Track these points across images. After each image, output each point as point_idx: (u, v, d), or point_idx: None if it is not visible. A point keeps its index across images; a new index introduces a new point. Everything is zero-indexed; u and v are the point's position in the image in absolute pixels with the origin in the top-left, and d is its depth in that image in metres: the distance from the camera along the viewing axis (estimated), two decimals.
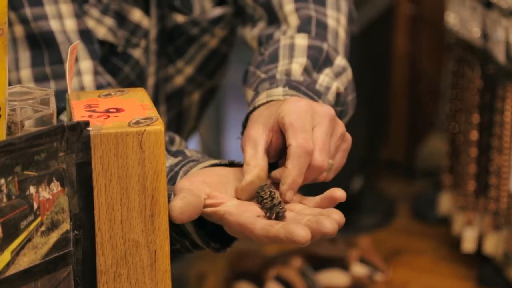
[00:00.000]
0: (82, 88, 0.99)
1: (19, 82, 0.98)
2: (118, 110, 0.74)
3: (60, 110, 0.95)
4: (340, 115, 0.98)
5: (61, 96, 0.94)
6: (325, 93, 0.95)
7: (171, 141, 0.94)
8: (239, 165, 0.86)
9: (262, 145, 0.85)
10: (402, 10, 1.83)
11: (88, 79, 0.99)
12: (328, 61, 0.99)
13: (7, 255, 0.64)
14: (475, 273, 1.45)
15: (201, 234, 0.84)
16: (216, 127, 2.07)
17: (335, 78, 0.98)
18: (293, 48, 1.00)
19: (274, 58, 0.99)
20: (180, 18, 1.13)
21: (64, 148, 0.67)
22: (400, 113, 1.88)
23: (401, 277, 1.46)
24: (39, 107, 0.73)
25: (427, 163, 1.80)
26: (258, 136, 0.86)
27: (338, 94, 0.97)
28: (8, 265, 0.64)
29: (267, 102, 0.91)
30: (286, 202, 0.81)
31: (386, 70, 1.77)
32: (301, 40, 1.01)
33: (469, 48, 1.43)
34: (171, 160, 0.88)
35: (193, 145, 1.47)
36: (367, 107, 1.62)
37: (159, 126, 0.70)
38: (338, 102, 0.97)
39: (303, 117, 0.84)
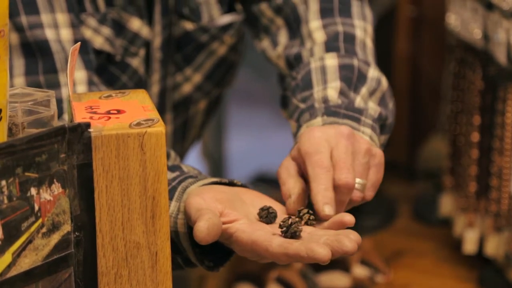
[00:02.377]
0: None
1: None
2: (119, 111, 0.74)
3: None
4: (383, 128, 1.00)
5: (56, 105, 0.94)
6: (366, 108, 0.96)
7: (166, 156, 0.94)
8: (238, 185, 0.86)
9: (294, 169, 0.87)
10: (403, 12, 1.83)
11: (81, 90, 0.99)
12: (361, 77, 1.00)
13: (8, 256, 0.64)
14: (476, 275, 1.45)
15: (197, 251, 0.84)
16: (217, 130, 2.07)
17: (370, 97, 0.99)
18: (325, 71, 1.00)
19: (308, 84, 1.00)
20: (189, 26, 1.13)
21: (65, 149, 0.67)
22: (401, 114, 1.88)
23: (402, 278, 1.46)
24: (40, 109, 0.74)
25: (428, 164, 1.80)
26: (288, 163, 0.88)
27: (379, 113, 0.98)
28: (9, 266, 0.64)
29: None
30: (323, 219, 0.80)
31: (387, 72, 1.77)
32: (331, 61, 1.01)
33: (470, 50, 1.43)
34: (168, 175, 0.88)
35: (194, 149, 1.47)
36: None
37: (160, 127, 0.70)
38: (380, 119, 0.98)
39: (317, 143, 0.86)
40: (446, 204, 1.53)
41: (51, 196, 0.66)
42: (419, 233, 1.60)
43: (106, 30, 1.04)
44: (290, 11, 1.09)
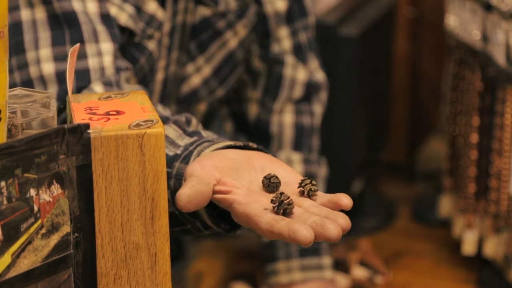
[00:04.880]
0: (102, 69, 1.00)
1: (37, 61, 0.99)
2: (118, 112, 0.74)
3: (79, 89, 0.98)
4: None
5: (80, 76, 0.98)
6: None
7: (187, 122, 0.94)
8: (253, 148, 0.85)
9: None
10: (402, 13, 1.83)
11: (108, 60, 1.01)
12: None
13: (7, 257, 0.64)
14: (475, 276, 1.45)
15: (212, 215, 0.84)
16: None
17: None
18: None
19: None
20: (207, 11, 1.16)
21: (64, 150, 0.67)
22: (400, 115, 1.88)
23: (402, 279, 1.47)
24: (39, 110, 0.74)
25: (428, 165, 1.80)
26: None
27: None
28: (8, 267, 0.64)
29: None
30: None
31: (386, 73, 1.78)
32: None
33: (470, 51, 1.43)
34: (187, 140, 0.88)
35: None
36: (367, 110, 1.63)
37: (159, 128, 0.70)
38: None
39: None
40: (445, 205, 1.53)
41: (50, 197, 0.66)
42: (418, 234, 1.60)
43: (129, 8, 1.06)
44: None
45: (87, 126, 0.69)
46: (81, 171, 0.69)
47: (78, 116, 0.73)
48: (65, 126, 0.67)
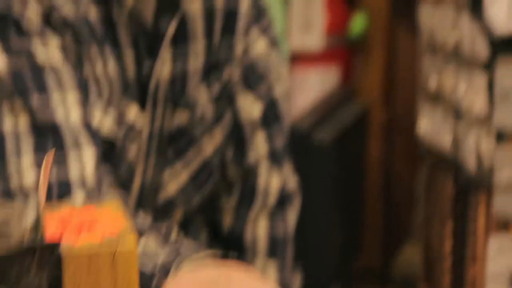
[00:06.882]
0: (83, 177, 1.00)
1: (18, 170, 0.99)
2: (91, 224, 0.74)
3: (60, 199, 0.97)
4: None
5: (61, 185, 0.98)
6: None
7: (167, 234, 0.94)
8: (232, 261, 0.85)
9: None
10: (375, 117, 1.86)
11: (90, 168, 1.00)
12: None
13: None
14: None
15: None
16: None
17: None
18: None
19: None
20: (184, 117, 1.17)
21: (35, 267, 0.66)
22: (375, 219, 1.88)
23: None
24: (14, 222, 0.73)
25: (403, 271, 1.79)
26: None
27: None
28: None
29: None
30: None
31: (360, 177, 1.79)
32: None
33: (441, 157, 1.44)
34: (165, 254, 0.88)
35: None
36: (341, 215, 1.63)
37: (131, 246, 0.70)
38: None
39: None
40: None
41: None
42: None
43: (111, 116, 1.07)
44: None
45: (58, 244, 0.68)
46: (53, 286, 0.68)
47: (50, 227, 0.73)
48: (36, 245, 0.67)
